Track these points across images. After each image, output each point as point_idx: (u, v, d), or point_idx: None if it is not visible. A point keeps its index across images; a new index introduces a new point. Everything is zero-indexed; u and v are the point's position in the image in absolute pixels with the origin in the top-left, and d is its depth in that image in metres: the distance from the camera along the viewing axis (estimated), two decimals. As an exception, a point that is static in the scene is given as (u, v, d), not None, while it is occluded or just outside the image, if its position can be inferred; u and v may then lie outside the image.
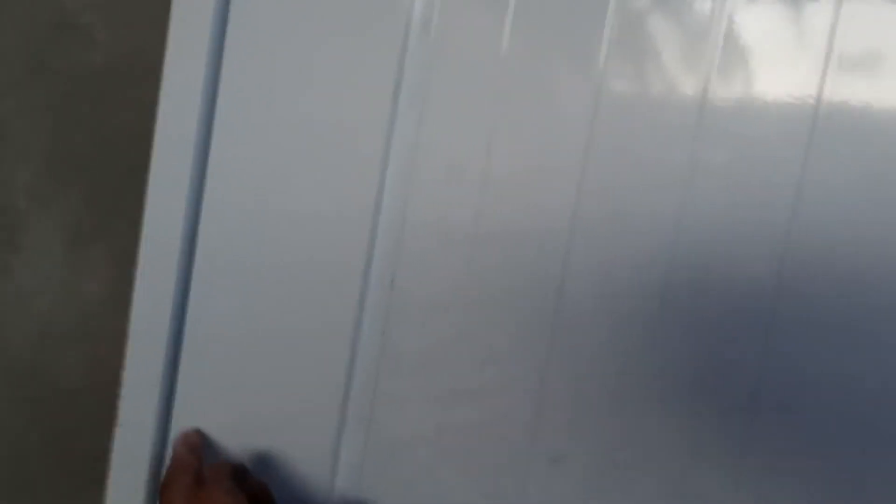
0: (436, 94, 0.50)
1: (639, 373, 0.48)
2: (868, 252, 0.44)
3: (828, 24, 0.44)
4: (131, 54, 0.67)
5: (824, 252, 0.45)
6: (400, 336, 0.51)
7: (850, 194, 0.45)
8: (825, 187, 0.45)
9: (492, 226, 0.49)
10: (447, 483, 0.51)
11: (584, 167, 0.47)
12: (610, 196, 0.48)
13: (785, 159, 0.45)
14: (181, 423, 0.55)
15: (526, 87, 0.48)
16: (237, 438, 0.54)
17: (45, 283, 0.73)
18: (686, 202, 0.46)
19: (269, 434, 0.53)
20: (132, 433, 0.55)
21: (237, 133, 0.53)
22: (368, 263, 0.51)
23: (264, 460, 0.53)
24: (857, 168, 0.44)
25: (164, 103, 0.53)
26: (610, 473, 0.49)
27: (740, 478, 0.46)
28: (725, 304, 0.46)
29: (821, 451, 0.45)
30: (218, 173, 0.54)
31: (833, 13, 0.44)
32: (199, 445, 0.51)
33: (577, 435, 0.49)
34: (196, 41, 0.53)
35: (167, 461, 0.52)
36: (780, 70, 0.45)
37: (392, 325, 0.51)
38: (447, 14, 0.49)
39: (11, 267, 0.73)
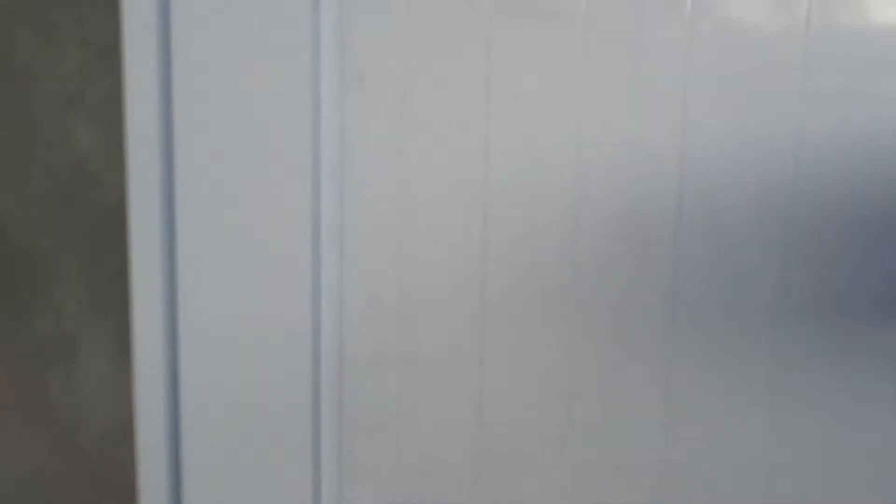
0: (350, 231, 0.55)
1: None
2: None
3: None
4: (133, 193, 0.76)
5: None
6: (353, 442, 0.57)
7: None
8: None
9: (409, 346, 0.54)
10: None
11: (484, 282, 0.51)
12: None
13: None
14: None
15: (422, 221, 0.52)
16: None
17: (102, 388, 0.84)
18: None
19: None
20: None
21: (200, 281, 0.60)
22: (317, 388, 0.57)
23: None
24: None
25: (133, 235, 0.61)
26: None
27: None
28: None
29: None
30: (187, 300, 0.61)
31: None
32: None
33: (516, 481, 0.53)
34: (152, 202, 0.60)
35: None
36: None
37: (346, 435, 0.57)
38: (355, 159, 0.54)
39: (76, 377, 0.85)
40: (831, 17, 0.45)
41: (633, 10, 0.47)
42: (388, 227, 0.54)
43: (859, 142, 0.45)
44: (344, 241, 0.55)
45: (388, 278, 0.54)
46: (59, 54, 0.77)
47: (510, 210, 0.50)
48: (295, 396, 0.57)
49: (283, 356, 0.57)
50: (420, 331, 0.53)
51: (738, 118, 0.47)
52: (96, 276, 0.81)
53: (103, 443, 0.85)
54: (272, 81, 0.56)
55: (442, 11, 0.50)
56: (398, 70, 0.51)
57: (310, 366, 0.57)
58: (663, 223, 0.48)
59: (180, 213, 0.59)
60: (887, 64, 0.45)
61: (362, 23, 0.52)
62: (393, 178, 0.53)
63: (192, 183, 0.59)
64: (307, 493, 0.58)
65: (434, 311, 0.53)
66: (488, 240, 0.50)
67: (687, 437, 0.50)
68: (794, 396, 0.48)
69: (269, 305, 0.57)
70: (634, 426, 0.51)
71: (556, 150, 0.49)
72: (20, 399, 0.87)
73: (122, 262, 0.79)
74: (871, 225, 0.46)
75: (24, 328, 0.85)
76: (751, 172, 0.47)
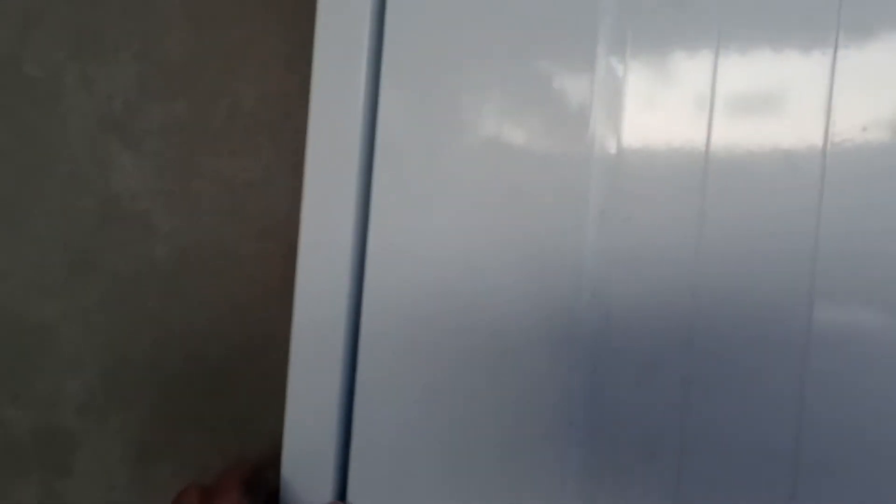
0: (618, 281, 0.43)
1: None
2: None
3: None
4: (204, 244, 0.59)
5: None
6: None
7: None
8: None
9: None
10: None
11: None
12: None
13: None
14: None
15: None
16: None
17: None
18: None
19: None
20: None
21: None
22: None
23: None
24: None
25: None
26: None
27: None
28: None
29: None
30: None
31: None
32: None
33: None
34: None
35: None
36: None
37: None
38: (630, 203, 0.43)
39: (60, 494, 0.62)
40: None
41: None
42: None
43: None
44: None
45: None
46: (101, 69, 0.60)
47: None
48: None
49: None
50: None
51: None
52: (117, 357, 0.61)
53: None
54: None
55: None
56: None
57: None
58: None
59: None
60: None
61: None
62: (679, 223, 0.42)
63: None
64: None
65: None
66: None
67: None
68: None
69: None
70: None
71: None
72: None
73: (159, 337, 0.60)
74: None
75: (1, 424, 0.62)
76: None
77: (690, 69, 0.44)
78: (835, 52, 0.44)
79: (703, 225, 0.44)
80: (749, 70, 0.44)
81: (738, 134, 0.44)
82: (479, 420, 0.46)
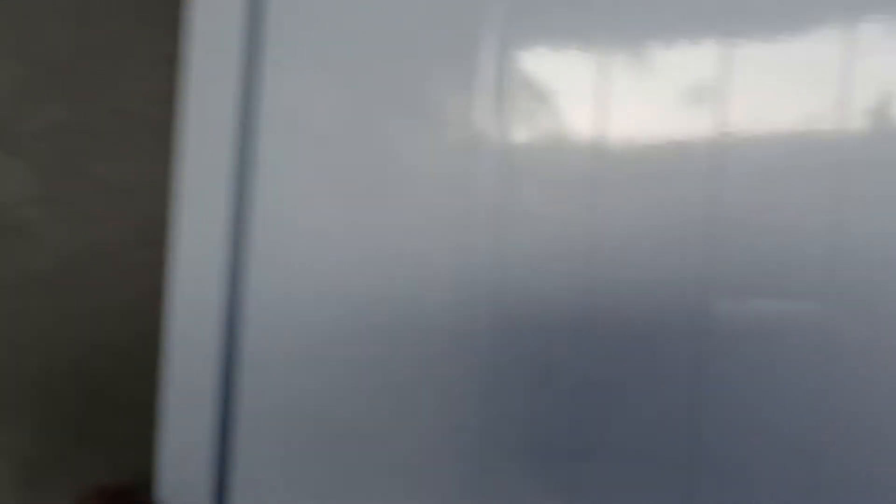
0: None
1: None
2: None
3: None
4: (89, 252, 0.56)
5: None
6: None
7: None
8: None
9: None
10: None
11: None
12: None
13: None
14: None
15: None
16: None
17: (-10, 538, 0.58)
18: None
19: None
20: None
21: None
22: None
23: None
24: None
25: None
26: None
27: None
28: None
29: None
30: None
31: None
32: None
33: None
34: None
35: None
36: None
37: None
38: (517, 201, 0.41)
39: (-56, 523, 0.58)
40: None
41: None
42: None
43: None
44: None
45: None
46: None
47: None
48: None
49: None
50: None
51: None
52: (1, 374, 0.57)
53: None
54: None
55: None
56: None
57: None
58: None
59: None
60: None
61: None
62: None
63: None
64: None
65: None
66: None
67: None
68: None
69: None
70: None
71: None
72: None
73: (46, 353, 0.56)
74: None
75: None
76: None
77: (581, 61, 0.43)
78: (731, 43, 0.43)
79: (596, 221, 0.43)
80: (642, 63, 0.43)
81: (631, 127, 0.43)
82: (371, 430, 0.44)
